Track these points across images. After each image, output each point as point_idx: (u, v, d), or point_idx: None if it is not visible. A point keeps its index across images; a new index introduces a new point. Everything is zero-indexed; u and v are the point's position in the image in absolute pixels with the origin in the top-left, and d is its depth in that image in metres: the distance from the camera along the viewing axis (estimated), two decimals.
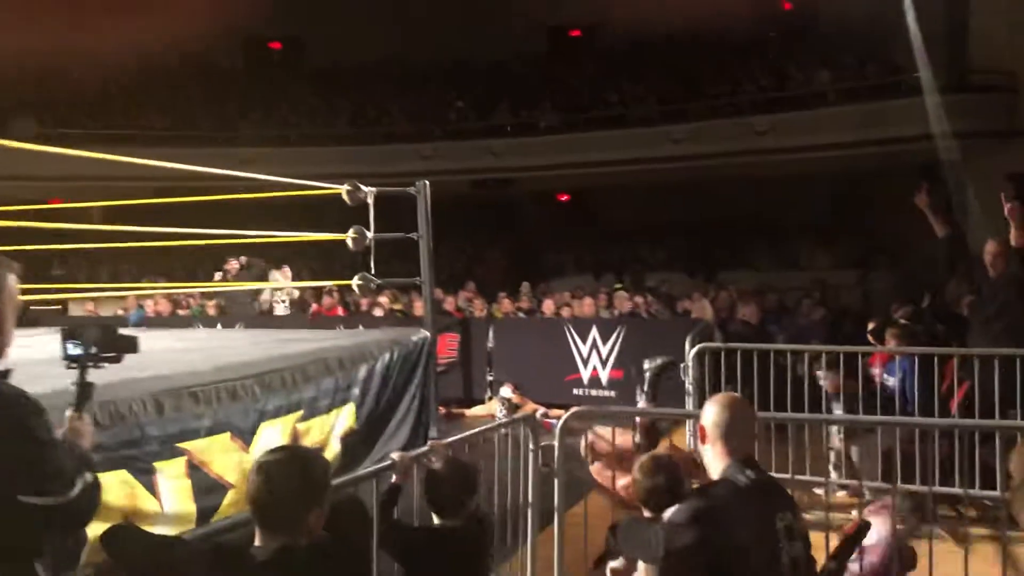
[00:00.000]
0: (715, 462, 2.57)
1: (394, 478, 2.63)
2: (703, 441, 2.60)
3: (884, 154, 14.89)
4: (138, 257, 13.30)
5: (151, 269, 16.53)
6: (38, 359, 4.91)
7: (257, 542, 2.05)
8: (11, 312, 2.09)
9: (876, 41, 16.36)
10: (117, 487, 4.46)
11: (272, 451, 2.13)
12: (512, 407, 8.14)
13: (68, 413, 2.28)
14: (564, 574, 3.64)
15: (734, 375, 6.01)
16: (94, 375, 2.39)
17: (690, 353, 6.02)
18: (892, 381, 5.97)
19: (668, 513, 2.55)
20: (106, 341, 2.36)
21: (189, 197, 8.01)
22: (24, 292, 2.21)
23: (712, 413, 2.60)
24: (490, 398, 9.26)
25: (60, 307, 13.04)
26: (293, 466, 2.06)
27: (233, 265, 9.98)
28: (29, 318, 9.89)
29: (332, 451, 5.94)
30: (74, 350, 2.34)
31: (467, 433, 3.25)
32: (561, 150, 17.75)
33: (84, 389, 2.33)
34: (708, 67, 18.50)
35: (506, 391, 8.38)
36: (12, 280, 2.09)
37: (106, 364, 2.39)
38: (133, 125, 18.99)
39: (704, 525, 2.43)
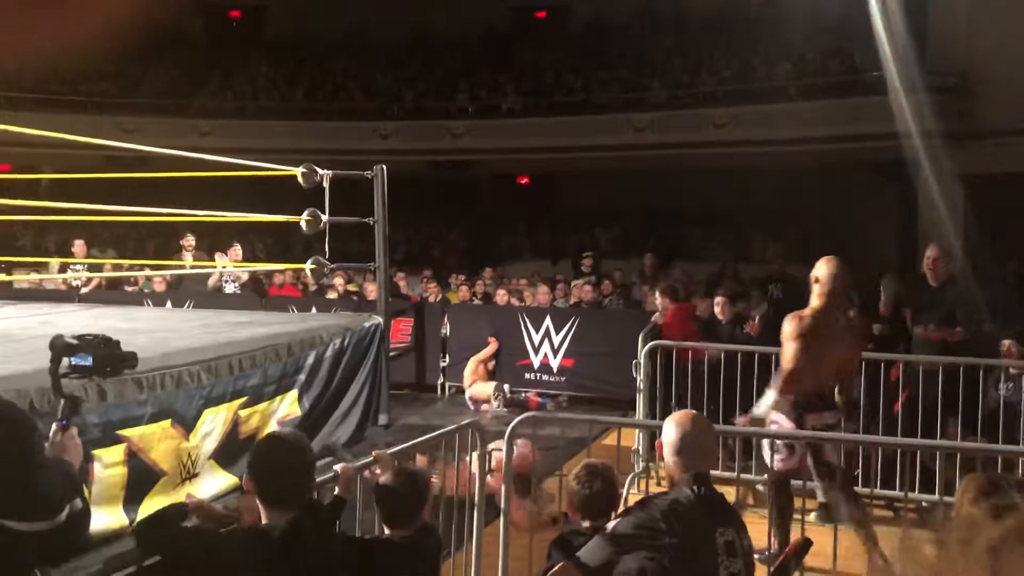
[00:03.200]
0: (674, 473, 2.59)
1: (336, 490, 2.58)
2: (660, 458, 2.61)
3: (843, 150, 15.07)
4: (88, 228, 12.96)
5: (101, 240, 16.16)
6: None
7: (265, 521, 2.24)
8: None
9: (839, 37, 16.53)
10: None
11: (269, 436, 2.42)
12: (507, 397, 8.26)
13: (54, 427, 2.19)
14: (508, 575, 3.64)
15: (684, 373, 6.04)
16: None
17: (642, 350, 6.02)
18: None
19: (611, 524, 2.55)
20: (109, 355, 2.40)
21: (141, 173, 7.85)
22: None
23: (670, 431, 2.61)
24: (442, 383, 9.25)
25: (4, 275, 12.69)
26: (294, 446, 2.33)
27: (190, 241, 9.77)
28: None
29: None
30: (82, 362, 2.35)
31: (412, 442, 3.21)
32: (522, 134, 17.70)
33: (75, 402, 2.26)
34: (671, 56, 18.55)
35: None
36: None
37: (105, 378, 2.40)
38: (85, 91, 18.50)
39: (645, 536, 2.44)
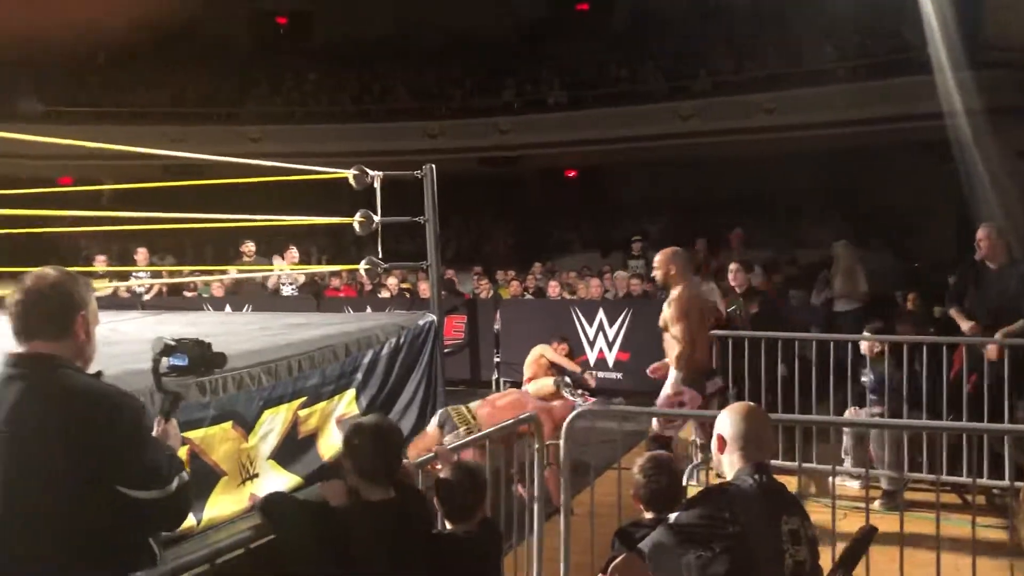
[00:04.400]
0: (728, 469, 2.59)
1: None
2: (720, 451, 2.60)
3: (892, 131, 14.76)
4: (148, 236, 13.30)
5: (161, 248, 16.53)
6: None
7: (368, 497, 2.44)
8: (95, 326, 2.25)
9: (887, 14, 16.16)
10: None
11: (368, 418, 2.56)
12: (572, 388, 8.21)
13: (157, 418, 2.41)
14: (570, 567, 3.66)
15: (742, 362, 5.99)
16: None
17: None
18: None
19: (674, 515, 2.55)
20: (203, 356, 2.55)
21: (198, 180, 8.02)
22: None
23: (729, 424, 2.60)
24: (497, 379, 9.30)
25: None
26: (392, 426, 2.55)
27: (249, 247, 10.00)
28: None
29: (331, 435, 5.97)
30: (178, 362, 2.50)
31: (472, 437, 3.25)
32: (568, 127, 17.66)
33: (176, 397, 2.50)
34: (715, 43, 18.33)
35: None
36: (94, 296, 2.27)
37: (200, 377, 2.55)
38: (139, 102, 18.93)
39: (708, 527, 2.44)
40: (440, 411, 5.62)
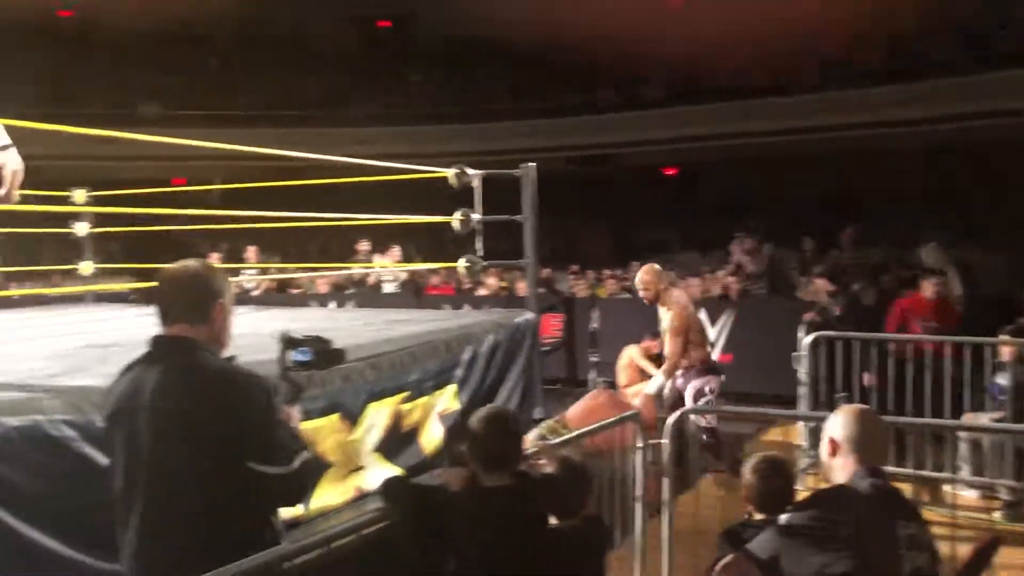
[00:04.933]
0: (840, 472, 2.51)
1: None
2: (832, 454, 2.52)
3: (1009, 126, 14.02)
4: (255, 235, 13.79)
5: (267, 246, 17.11)
6: None
7: (487, 483, 2.51)
8: (230, 315, 2.44)
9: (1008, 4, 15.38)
10: None
11: (487, 408, 2.64)
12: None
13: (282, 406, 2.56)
14: (673, 567, 3.62)
15: (851, 367, 5.79)
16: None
17: (804, 341, 5.82)
18: None
19: (785, 517, 2.49)
20: (325, 352, 2.69)
21: (303, 180, 8.27)
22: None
23: (842, 426, 2.53)
24: (593, 378, 9.26)
25: None
26: (511, 416, 2.66)
27: (364, 246, 10.29)
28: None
29: (432, 429, 6.05)
30: (302, 357, 2.64)
31: (575, 433, 3.25)
32: (667, 124, 17.44)
33: (299, 388, 2.66)
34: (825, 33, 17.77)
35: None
36: (230, 287, 2.47)
37: (321, 371, 2.82)
38: (249, 105, 19.60)
39: (820, 529, 2.37)
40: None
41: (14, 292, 11.38)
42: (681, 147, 18.10)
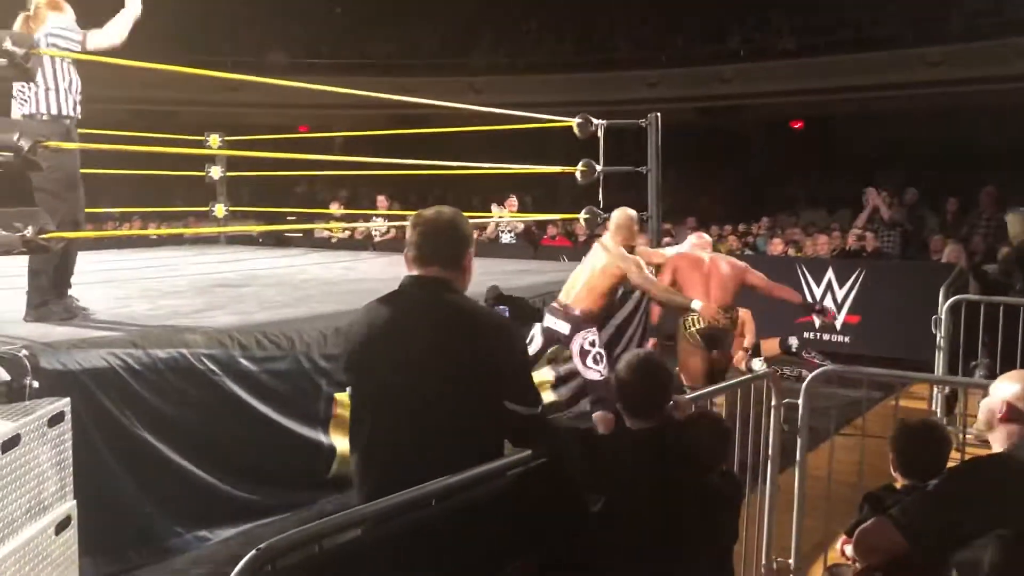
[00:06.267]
0: (1003, 439, 2.35)
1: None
2: (1002, 419, 2.35)
3: None
4: (375, 183, 14.06)
5: (385, 193, 17.42)
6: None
7: (631, 426, 2.56)
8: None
9: None
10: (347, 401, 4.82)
11: (632, 354, 2.63)
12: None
13: None
14: (802, 529, 3.55)
15: (994, 332, 5.46)
16: None
17: (944, 305, 5.52)
18: None
19: (936, 483, 2.36)
20: (524, 308, 2.75)
21: (422, 128, 8.32)
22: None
23: (1012, 390, 2.35)
24: None
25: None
26: (657, 361, 2.62)
27: (512, 201, 10.36)
28: (277, 239, 10.77)
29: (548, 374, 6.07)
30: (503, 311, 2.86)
31: (709, 389, 3.18)
32: (797, 75, 16.71)
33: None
34: None
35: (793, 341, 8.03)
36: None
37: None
38: (372, 54, 19.85)
39: (978, 500, 2.24)
40: None
41: (153, 231, 11.99)
42: (811, 99, 17.34)
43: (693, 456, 2.47)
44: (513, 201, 10.45)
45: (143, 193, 11.09)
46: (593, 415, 2.62)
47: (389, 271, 6.86)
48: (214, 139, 8.69)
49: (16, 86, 4.22)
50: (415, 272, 2.42)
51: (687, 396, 2.89)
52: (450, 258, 2.41)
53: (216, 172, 8.96)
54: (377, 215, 11.08)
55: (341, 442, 4.61)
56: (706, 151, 19.29)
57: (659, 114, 7.45)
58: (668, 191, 7.78)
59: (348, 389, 2.52)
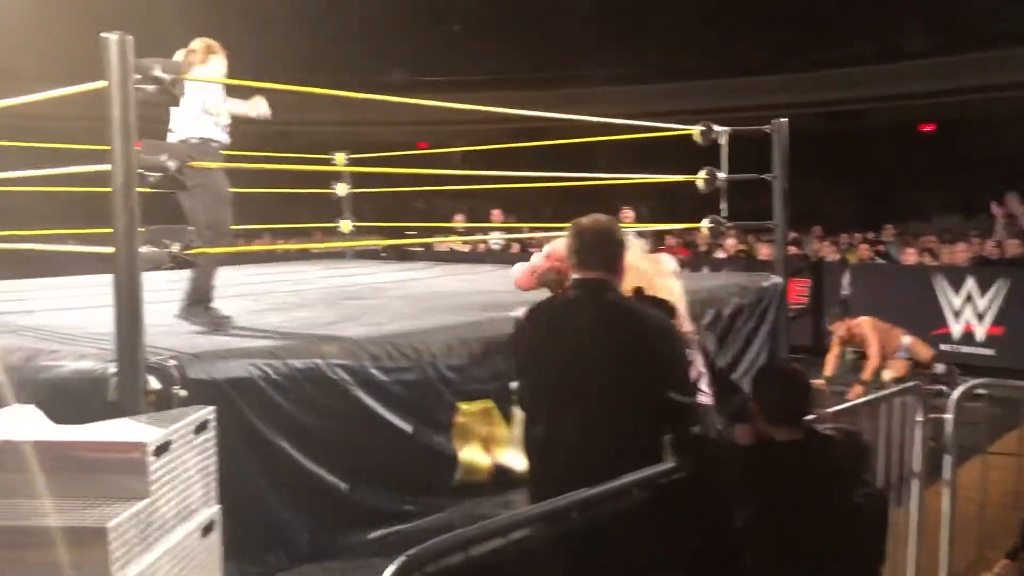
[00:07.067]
0: None
1: None
2: None
3: None
4: (492, 197, 14.20)
5: (503, 207, 17.58)
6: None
7: (774, 438, 2.51)
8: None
9: None
10: (481, 415, 4.86)
11: (775, 365, 2.80)
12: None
13: None
14: (953, 549, 3.36)
15: None
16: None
17: None
18: None
19: None
20: (664, 310, 2.89)
21: (537, 141, 8.36)
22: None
23: None
24: None
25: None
26: (799, 371, 2.66)
27: (628, 213, 10.33)
28: (400, 252, 11.02)
29: None
30: None
31: (852, 403, 3.05)
32: (928, 76, 15.95)
33: None
34: None
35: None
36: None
37: None
38: (490, 69, 20.07)
39: None
40: None
41: (283, 246, 12.48)
42: (942, 101, 16.52)
43: (838, 470, 2.37)
44: (627, 213, 10.33)
45: (272, 210, 11.56)
46: (735, 427, 2.55)
47: (509, 283, 6.91)
48: (340, 157, 8.98)
49: (173, 115, 4.50)
50: (577, 276, 2.62)
51: (830, 409, 2.78)
52: (610, 261, 2.62)
53: (342, 189, 9.24)
54: (495, 228, 11.20)
55: (465, 451, 4.67)
56: (829, 156, 18.64)
57: (785, 120, 7.28)
58: (791, 198, 7.57)
59: (515, 389, 2.74)
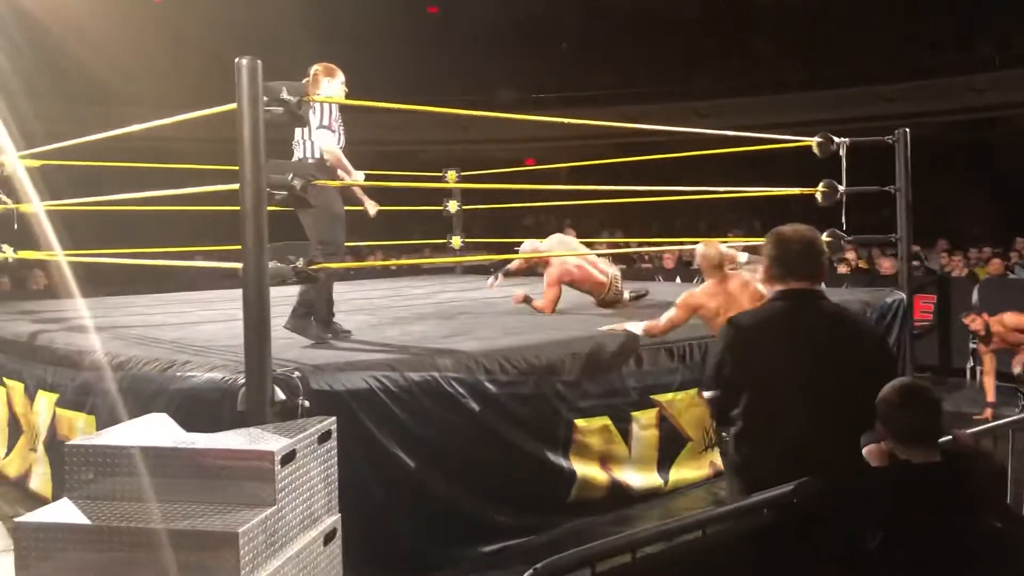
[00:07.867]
0: None
1: None
2: None
3: None
4: (598, 212, 14.17)
5: (611, 222, 17.49)
6: None
7: (909, 458, 2.40)
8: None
9: None
10: (599, 431, 4.83)
11: (897, 382, 2.48)
12: None
13: None
14: None
15: None
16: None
17: None
18: None
19: None
20: None
21: (645, 155, 8.28)
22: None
23: None
24: (972, 367, 8.28)
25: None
26: (930, 388, 2.53)
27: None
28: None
29: None
30: None
31: (991, 424, 2.87)
32: None
33: None
34: None
35: None
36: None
37: None
38: (597, 85, 20.06)
39: None
40: None
41: (395, 262, 12.76)
42: None
43: (981, 495, 2.24)
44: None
45: (384, 227, 11.84)
46: (864, 447, 2.46)
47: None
48: (451, 174, 9.13)
49: (296, 133, 4.67)
50: (781, 286, 2.68)
51: (969, 431, 2.63)
52: (815, 270, 2.71)
53: (453, 206, 9.38)
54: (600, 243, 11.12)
55: (582, 467, 4.64)
56: (954, 167, 17.80)
57: (907, 130, 7.02)
58: (916, 211, 7.26)
59: (722, 391, 2.74)
